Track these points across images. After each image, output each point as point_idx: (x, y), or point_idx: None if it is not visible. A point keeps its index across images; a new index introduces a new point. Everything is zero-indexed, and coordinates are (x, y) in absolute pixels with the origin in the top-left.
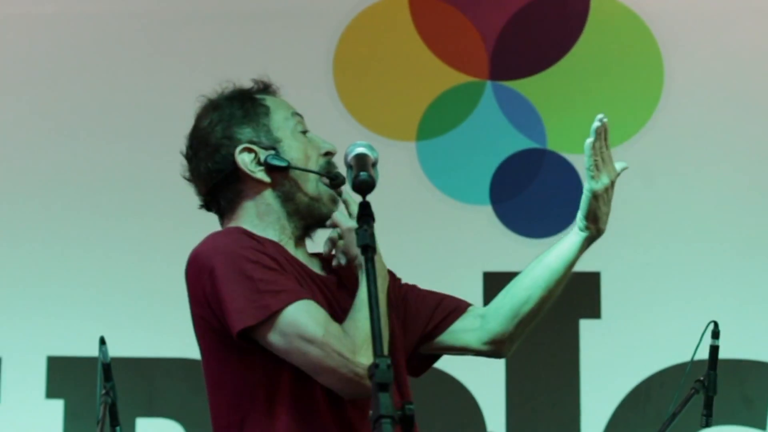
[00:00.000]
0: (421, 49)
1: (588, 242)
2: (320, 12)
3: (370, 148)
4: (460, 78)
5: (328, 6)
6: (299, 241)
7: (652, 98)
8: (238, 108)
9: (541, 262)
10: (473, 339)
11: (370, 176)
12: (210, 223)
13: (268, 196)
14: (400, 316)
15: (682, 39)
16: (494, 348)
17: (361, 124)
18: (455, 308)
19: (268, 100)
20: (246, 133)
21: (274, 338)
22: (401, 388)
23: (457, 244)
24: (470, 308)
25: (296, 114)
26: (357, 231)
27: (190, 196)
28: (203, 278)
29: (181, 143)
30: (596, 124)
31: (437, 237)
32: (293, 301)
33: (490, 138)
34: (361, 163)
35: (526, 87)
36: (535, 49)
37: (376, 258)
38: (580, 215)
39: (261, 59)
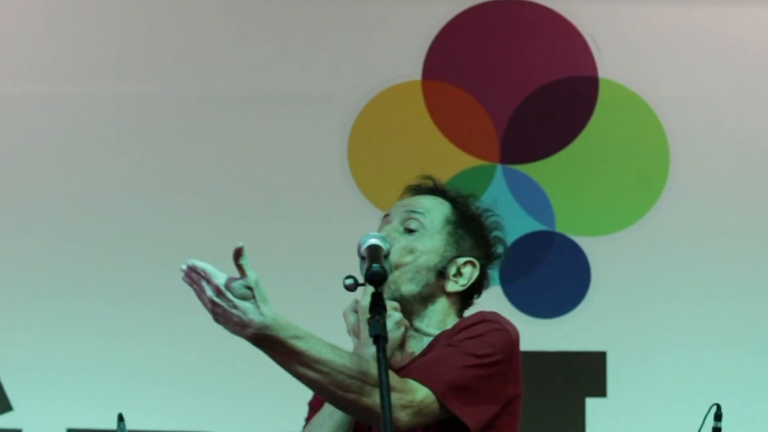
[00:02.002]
0: (433, 133)
1: None
2: (336, 96)
3: (383, 239)
4: (472, 161)
5: (344, 90)
6: None
7: (658, 182)
8: None
9: None
10: None
11: (383, 268)
12: None
13: None
14: None
15: (688, 124)
16: None
17: (375, 205)
18: None
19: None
20: None
21: None
22: None
23: None
24: None
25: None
26: (369, 321)
27: None
28: None
29: (199, 227)
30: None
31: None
32: None
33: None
34: (374, 254)
35: (535, 170)
36: (544, 133)
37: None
38: None
39: (279, 141)
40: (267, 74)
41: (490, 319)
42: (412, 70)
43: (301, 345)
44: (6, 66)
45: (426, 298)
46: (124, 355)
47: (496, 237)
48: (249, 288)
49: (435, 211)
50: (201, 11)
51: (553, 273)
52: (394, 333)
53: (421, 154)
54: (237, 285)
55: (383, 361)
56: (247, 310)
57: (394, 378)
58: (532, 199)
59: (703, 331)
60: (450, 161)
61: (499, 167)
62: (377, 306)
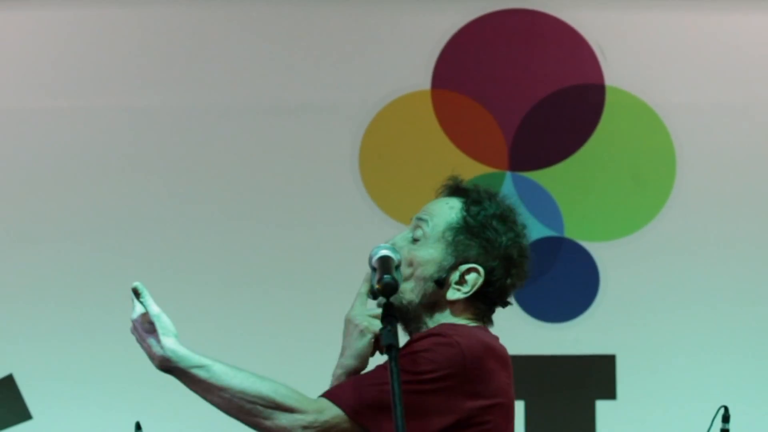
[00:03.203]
0: (442, 141)
1: None
2: (347, 105)
3: (393, 250)
4: (481, 169)
5: (355, 100)
6: None
7: (664, 187)
8: None
9: None
10: None
11: (393, 279)
12: (236, 320)
13: None
14: None
15: (694, 130)
16: None
17: (385, 213)
18: None
19: None
20: None
21: None
22: None
23: None
24: None
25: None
26: (381, 331)
27: (229, 287)
28: None
29: (215, 236)
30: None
31: None
32: None
33: None
34: (385, 265)
35: (544, 177)
36: (552, 140)
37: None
38: None
39: (292, 150)
40: (280, 85)
41: (441, 333)
42: (422, 79)
43: (202, 374)
44: (22, 82)
45: (429, 307)
46: (142, 364)
47: (512, 241)
48: (150, 323)
49: (439, 217)
50: (213, 24)
51: (562, 278)
52: (356, 342)
53: (430, 162)
54: (141, 321)
55: (395, 370)
56: (151, 344)
57: (300, 399)
58: (541, 205)
59: (710, 334)
60: (459, 169)
61: (508, 174)
62: (389, 316)
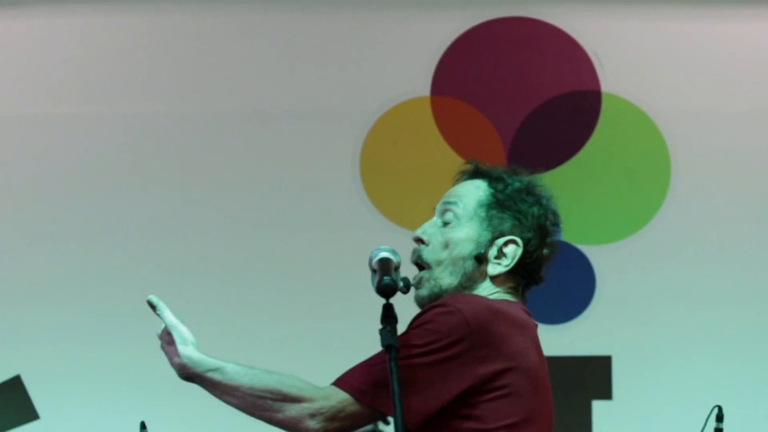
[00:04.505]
0: (442, 146)
1: None
2: (348, 111)
3: (393, 252)
4: None
5: (356, 106)
6: None
7: (659, 192)
8: None
9: None
10: None
11: (393, 280)
12: (239, 325)
13: None
14: None
15: (688, 136)
16: None
17: (386, 217)
18: None
19: None
20: None
21: None
22: None
23: None
24: None
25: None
26: (381, 331)
27: (230, 288)
28: None
29: (218, 241)
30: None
31: None
32: None
33: None
34: (385, 267)
35: (541, 181)
36: (549, 145)
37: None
38: None
39: (294, 155)
40: (283, 91)
41: (442, 303)
42: (422, 86)
43: (216, 376)
44: (30, 88)
45: (467, 287)
46: (147, 365)
47: (542, 211)
48: (169, 334)
49: (468, 197)
50: (215, 31)
51: (559, 280)
52: None
53: (430, 167)
54: (163, 334)
55: (395, 370)
56: (171, 354)
57: (307, 388)
58: None
59: (704, 336)
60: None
61: None
62: (388, 317)
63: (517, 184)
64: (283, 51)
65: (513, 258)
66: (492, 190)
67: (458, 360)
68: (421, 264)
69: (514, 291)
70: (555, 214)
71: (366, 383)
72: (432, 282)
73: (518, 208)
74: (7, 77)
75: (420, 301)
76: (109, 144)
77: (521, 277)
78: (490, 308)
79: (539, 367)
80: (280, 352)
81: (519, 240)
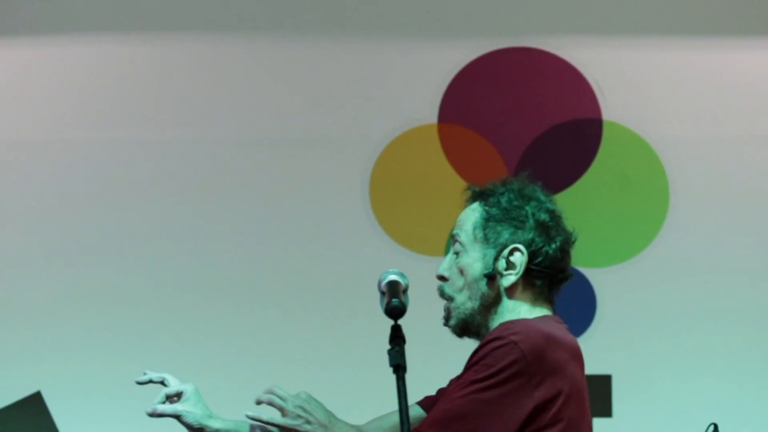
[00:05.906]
0: (449, 172)
1: None
2: (357, 139)
3: (401, 275)
4: None
5: (365, 133)
6: None
7: (658, 217)
8: None
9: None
10: None
11: (401, 302)
12: (250, 345)
13: None
14: None
15: (686, 163)
16: None
17: (395, 241)
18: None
19: None
20: None
21: None
22: None
23: None
24: None
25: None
26: (389, 352)
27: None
28: None
29: (229, 266)
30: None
31: (464, 346)
32: None
33: None
34: (393, 290)
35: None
36: (552, 172)
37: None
38: None
39: (304, 183)
40: (292, 119)
41: (496, 336)
42: (429, 113)
43: None
44: (45, 114)
45: (488, 306)
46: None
47: (536, 208)
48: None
49: (467, 222)
50: (226, 60)
51: (561, 302)
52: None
53: (437, 192)
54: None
55: (403, 389)
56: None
57: None
58: None
59: (701, 356)
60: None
61: None
62: (396, 338)
63: (506, 193)
64: (294, 80)
65: (521, 264)
66: (484, 208)
67: (520, 391)
68: (445, 298)
69: (542, 297)
70: (550, 207)
71: (433, 423)
72: (456, 311)
73: (511, 215)
74: (32, 103)
75: (453, 331)
76: (129, 168)
77: (541, 279)
78: (545, 335)
79: (586, 390)
80: (290, 371)
81: (520, 245)
